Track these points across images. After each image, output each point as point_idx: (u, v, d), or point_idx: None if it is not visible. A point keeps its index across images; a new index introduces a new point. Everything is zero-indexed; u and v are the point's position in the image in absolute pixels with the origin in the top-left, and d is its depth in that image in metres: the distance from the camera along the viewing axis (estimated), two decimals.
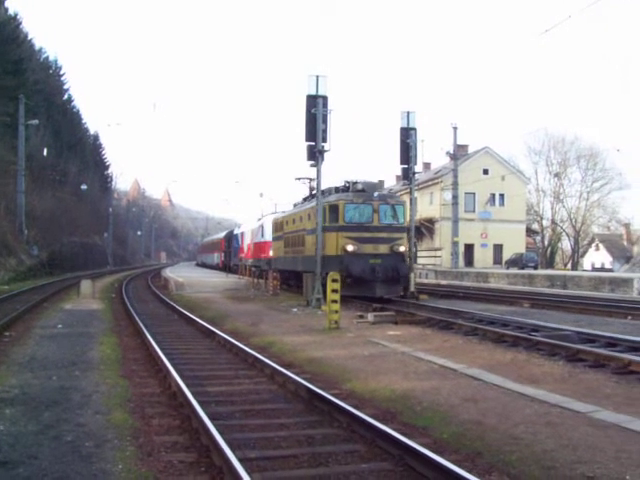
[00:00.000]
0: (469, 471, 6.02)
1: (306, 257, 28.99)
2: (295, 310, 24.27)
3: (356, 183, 27.43)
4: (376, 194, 26.17)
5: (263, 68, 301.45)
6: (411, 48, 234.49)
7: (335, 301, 18.50)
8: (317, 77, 25.06)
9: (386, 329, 17.97)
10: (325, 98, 25.06)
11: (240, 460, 6.24)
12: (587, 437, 7.58)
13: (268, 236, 42.85)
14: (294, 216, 33.34)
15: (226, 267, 65.04)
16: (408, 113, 29.35)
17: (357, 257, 25.11)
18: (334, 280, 18.81)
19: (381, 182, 64.35)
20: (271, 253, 40.73)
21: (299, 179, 36.88)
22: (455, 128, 51.46)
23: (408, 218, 28.87)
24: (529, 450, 7.15)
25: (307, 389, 9.66)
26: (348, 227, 25.65)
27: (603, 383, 10.72)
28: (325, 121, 25.03)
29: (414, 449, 6.58)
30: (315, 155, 25.31)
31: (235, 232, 64.26)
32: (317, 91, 24.99)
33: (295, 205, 37.05)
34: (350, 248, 25.21)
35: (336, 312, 18.41)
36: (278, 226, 38.03)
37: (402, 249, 26.19)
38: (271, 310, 24.56)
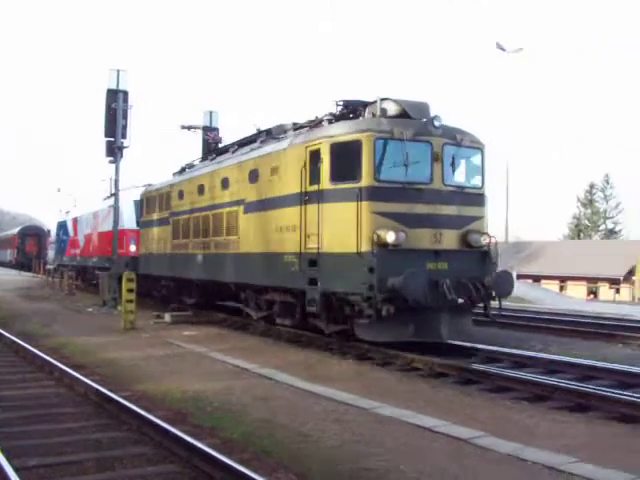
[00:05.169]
0: (255, 470, 6.10)
1: (241, 256, 16.83)
2: (91, 310, 23.66)
3: (386, 99, 13.84)
4: (437, 123, 13.24)
5: (60, 60, 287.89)
6: (213, 48, 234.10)
7: (130, 301, 18.21)
8: (118, 71, 24.48)
9: (183, 329, 17.88)
10: (126, 93, 24.50)
11: (16, 469, 5.97)
12: (371, 432, 7.95)
13: (128, 222, 28.68)
14: (201, 180, 19.88)
15: (18, 264, 61.97)
16: (211, 113, 29.17)
17: (402, 257, 12.33)
18: (129, 280, 18.47)
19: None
20: (132, 249, 27.95)
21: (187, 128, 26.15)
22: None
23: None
24: (316, 446, 7.39)
25: (97, 392, 9.40)
26: (383, 191, 12.77)
27: (389, 380, 11.29)
28: (126, 117, 24.51)
29: (201, 450, 6.58)
30: (114, 151, 24.68)
31: (63, 219, 45.61)
32: (118, 85, 24.39)
33: (184, 170, 23.45)
34: (391, 238, 12.28)
35: (132, 312, 18.14)
36: (155, 203, 24.07)
37: (485, 241, 13.64)
38: (66, 310, 23.82)
